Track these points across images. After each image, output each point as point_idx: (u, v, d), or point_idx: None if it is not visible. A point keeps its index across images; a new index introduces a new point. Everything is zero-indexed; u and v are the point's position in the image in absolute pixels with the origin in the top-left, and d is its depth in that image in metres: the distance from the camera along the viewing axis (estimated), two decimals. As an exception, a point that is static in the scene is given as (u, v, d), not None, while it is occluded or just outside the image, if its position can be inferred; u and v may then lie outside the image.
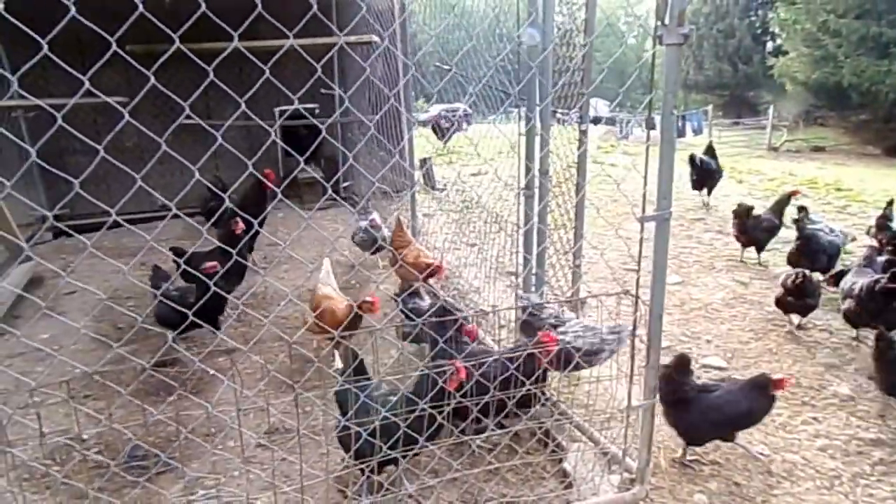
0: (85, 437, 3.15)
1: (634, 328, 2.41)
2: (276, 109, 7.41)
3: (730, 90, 35.17)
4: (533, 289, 3.54)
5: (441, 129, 14.44)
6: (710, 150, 8.37)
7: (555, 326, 3.12)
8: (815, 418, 3.45)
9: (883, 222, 5.62)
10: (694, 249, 6.06)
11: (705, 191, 7.96)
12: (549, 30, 3.02)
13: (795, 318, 4.46)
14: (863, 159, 21.48)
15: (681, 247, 6.12)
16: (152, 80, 1.57)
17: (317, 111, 7.87)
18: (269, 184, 4.94)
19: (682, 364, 3.05)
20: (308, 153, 3.03)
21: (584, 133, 3.71)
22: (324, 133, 2.34)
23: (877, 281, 4.00)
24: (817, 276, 4.72)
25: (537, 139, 3.25)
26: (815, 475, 3.02)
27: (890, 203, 5.84)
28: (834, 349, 4.19)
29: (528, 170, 3.34)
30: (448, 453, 2.92)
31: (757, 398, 2.98)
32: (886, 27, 20.23)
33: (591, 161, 11.76)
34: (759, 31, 33.32)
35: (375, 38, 5.61)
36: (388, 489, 2.53)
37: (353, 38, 5.36)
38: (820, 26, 21.98)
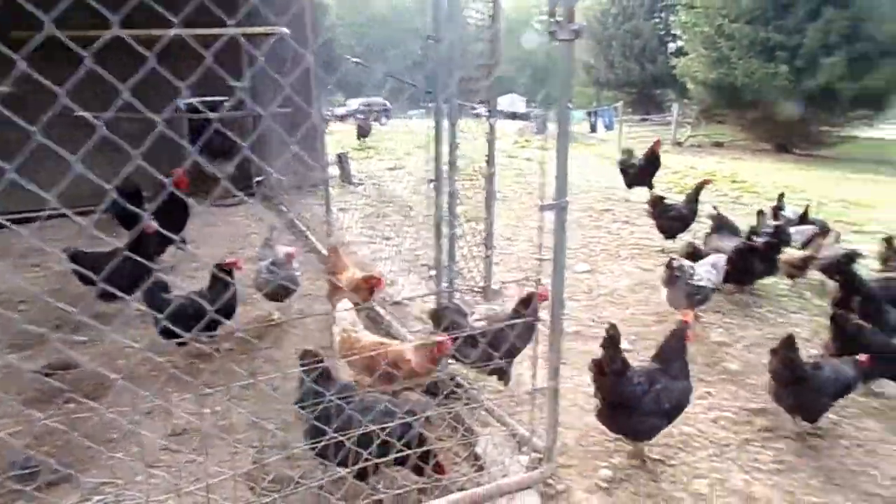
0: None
1: (537, 313, 2.49)
2: (181, 101, 7.08)
3: (637, 88, 36.95)
4: (445, 280, 3.59)
5: (364, 130, 14.27)
6: (629, 152, 8.71)
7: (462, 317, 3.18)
8: (708, 392, 3.71)
9: (776, 212, 6.12)
10: (602, 239, 6.34)
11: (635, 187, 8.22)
12: (455, 24, 3.06)
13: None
14: (756, 154, 23.20)
15: (590, 237, 6.39)
16: (23, 65, 1.46)
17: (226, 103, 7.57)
18: (180, 187, 4.63)
19: (791, 344, 3.26)
20: (198, 145, 2.90)
21: (493, 127, 3.80)
22: (216, 124, 2.25)
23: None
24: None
25: (445, 133, 3.29)
26: (708, 444, 3.25)
27: (781, 196, 6.40)
28: (727, 328, 4.52)
29: (440, 160, 3.38)
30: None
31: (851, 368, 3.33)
32: (773, 32, 21.87)
33: (507, 156, 12.08)
34: (662, 33, 35.13)
35: (283, 30, 5.46)
36: (298, 482, 2.50)
37: (259, 30, 5.20)
38: (716, 30, 23.46)
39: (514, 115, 34.25)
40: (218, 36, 1.86)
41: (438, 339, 2.86)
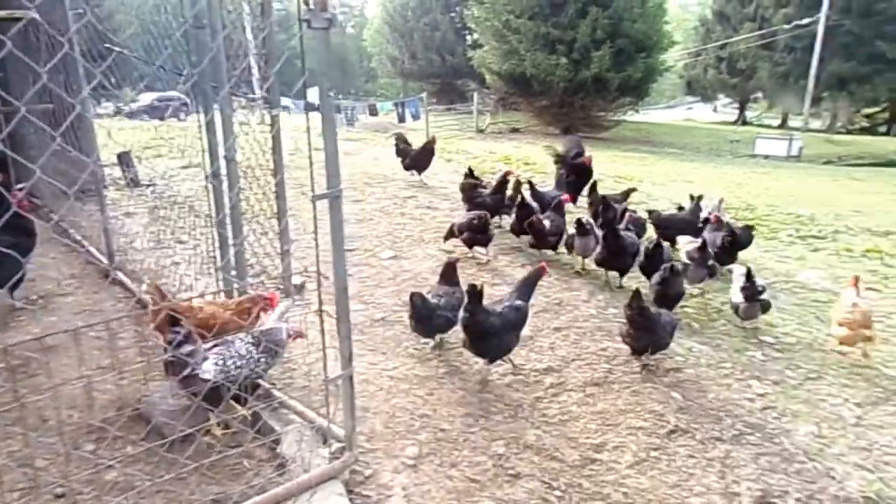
0: None
1: (321, 304, 2.47)
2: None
3: (441, 79, 38.44)
4: (235, 275, 3.41)
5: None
6: (403, 139, 9.04)
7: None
8: (504, 360, 4.00)
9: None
10: (407, 225, 6.50)
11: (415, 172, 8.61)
12: (214, 13, 2.87)
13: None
14: (547, 138, 25.43)
15: (395, 224, 6.52)
16: None
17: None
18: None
19: (639, 295, 3.91)
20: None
21: (275, 118, 3.67)
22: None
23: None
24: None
25: (219, 126, 3.11)
26: (504, 407, 3.52)
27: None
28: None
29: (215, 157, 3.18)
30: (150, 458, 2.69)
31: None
32: (552, 28, 24.12)
33: (314, 148, 11.81)
34: (459, 26, 36.89)
35: (33, 15, 4.72)
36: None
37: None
38: (504, 24, 25.23)
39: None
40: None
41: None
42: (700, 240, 5.51)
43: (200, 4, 2.81)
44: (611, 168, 14.90)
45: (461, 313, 3.68)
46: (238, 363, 2.77)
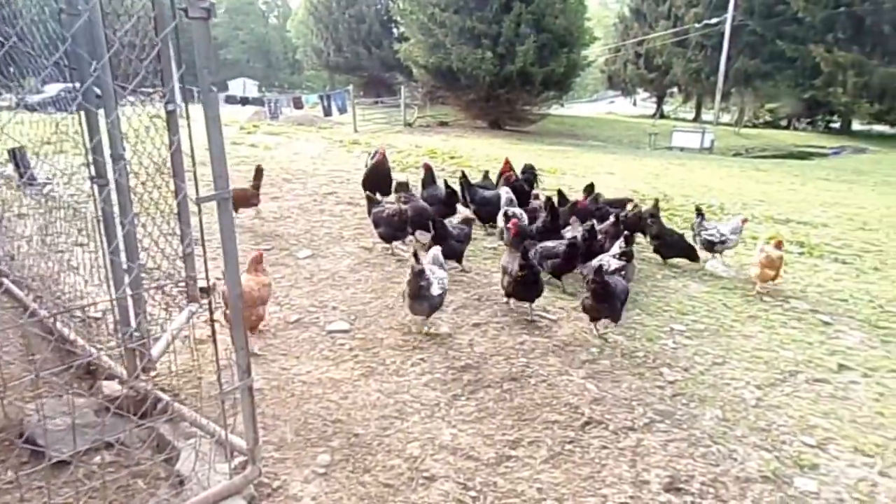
0: None
1: (211, 312, 2.32)
2: None
3: (368, 71, 37.95)
4: (127, 284, 3.17)
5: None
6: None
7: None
8: (421, 359, 3.95)
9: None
10: (326, 222, 6.34)
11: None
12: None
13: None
14: (475, 131, 25.72)
15: (313, 221, 6.35)
16: None
17: None
18: None
19: (602, 270, 4.35)
20: None
21: (171, 114, 3.43)
22: None
23: None
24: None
25: (102, 122, 2.86)
26: (421, 408, 3.46)
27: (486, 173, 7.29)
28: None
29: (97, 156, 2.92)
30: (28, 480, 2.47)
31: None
32: (477, 22, 24.27)
33: (231, 143, 11.36)
34: (385, 19, 36.51)
35: None
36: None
37: None
38: (430, 17, 25.16)
39: (245, 101, 32.60)
40: None
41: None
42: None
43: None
44: (536, 161, 15.16)
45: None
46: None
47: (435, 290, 4.14)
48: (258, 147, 11.11)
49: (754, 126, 41.92)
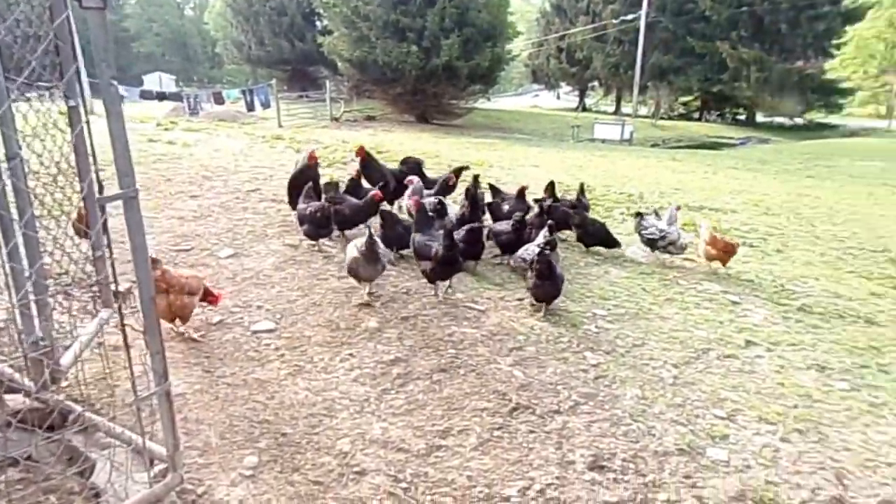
0: None
1: (122, 317, 2.23)
2: None
3: (291, 65, 37.00)
4: (28, 290, 2.97)
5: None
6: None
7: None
8: (350, 354, 3.93)
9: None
10: (249, 220, 6.17)
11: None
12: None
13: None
14: (402, 125, 25.64)
15: (236, 219, 6.16)
16: None
17: None
18: None
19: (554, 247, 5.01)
20: None
21: (73, 109, 3.23)
22: None
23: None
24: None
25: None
26: (350, 404, 3.44)
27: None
28: (368, 292, 4.85)
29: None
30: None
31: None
32: (401, 16, 24.16)
33: (148, 140, 10.84)
34: (307, 11, 35.68)
35: None
36: None
37: None
38: (353, 10, 24.82)
39: (162, 96, 30.98)
40: None
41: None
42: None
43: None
44: (463, 154, 15.31)
45: None
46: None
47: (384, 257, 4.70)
48: (176, 144, 10.63)
49: (670, 118, 44.00)
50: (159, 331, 2.21)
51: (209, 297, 4.02)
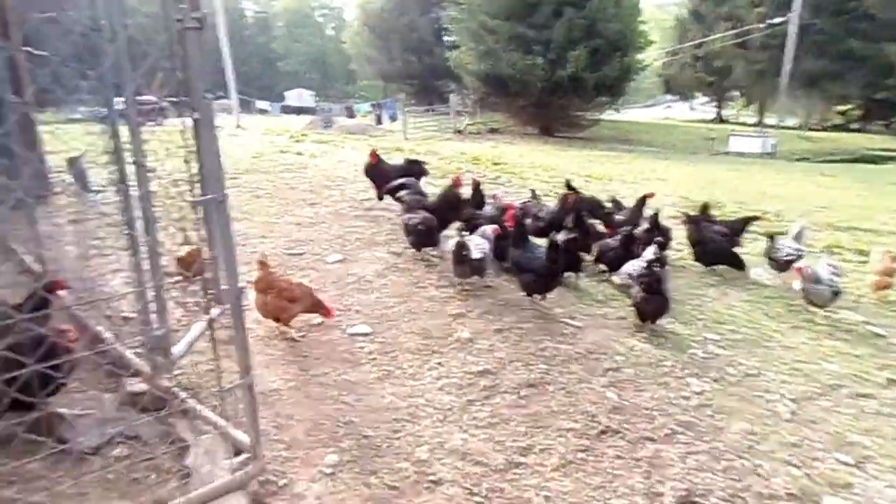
0: None
1: (210, 314, 2.40)
2: None
3: (419, 80, 38.38)
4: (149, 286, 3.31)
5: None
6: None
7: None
8: (439, 363, 3.95)
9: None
10: (360, 228, 6.45)
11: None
12: (113, 14, 2.77)
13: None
14: (525, 138, 25.60)
15: (347, 226, 6.47)
16: None
17: None
18: None
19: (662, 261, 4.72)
20: None
21: (197, 122, 3.57)
22: None
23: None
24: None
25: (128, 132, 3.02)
26: (434, 412, 3.46)
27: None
28: (464, 300, 4.87)
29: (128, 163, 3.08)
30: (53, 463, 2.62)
31: None
32: (528, 28, 24.20)
33: (279, 151, 11.73)
34: (436, 27, 36.88)
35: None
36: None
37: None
38: (480, 25, 25.29)
39: (300, 110, 33.55)
40: None
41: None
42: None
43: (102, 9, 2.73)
44: (584, 167, 14.96)
45: None
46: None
47: (475, 254, 4.74)
48: (304, 155, 11.41)
49: (823, 129, 39.94)
50: (244, 328, 2.37)
51: (323, 310, 4.18)
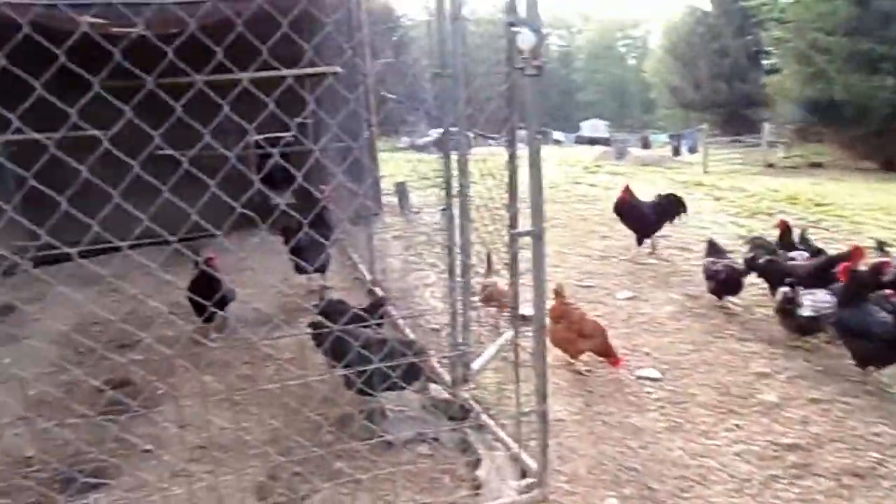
0: (30, 454, 3.31)
1: (516, 338, 2.56)
2: (255, 139, 7.63)
3: (726, 108, 35.39)
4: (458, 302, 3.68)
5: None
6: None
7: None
8: (737, 425, 3.55)
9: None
10: (652, 265, 6.20)
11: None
12: (457, 62, 3.20)
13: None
14: (860, 174, 21.55)
15: (640, 263, 6.27)
16: (129, 113, 1.85)
17: (291, 139, 8.09)
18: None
19: None
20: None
21: (513, 156, 3.89)
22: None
23: None
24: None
25: (454, 160, 3.44)
26: (728, 479, 3.12)
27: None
28: (771, 359, 4.30)
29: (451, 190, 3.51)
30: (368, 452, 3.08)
31: None
32: (875, 43, 20.45)
33: (573, 181, 12.02)
34: (753, 50, 33.64)
35: (337, 69, 5.86)
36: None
37: (311, 70, 5.58)
38: (810, 44, 22.28)
39: (594, 141, 33.89)
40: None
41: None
42: None
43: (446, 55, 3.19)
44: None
45: None
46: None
47: (805, 312, 4.29)
48: (597, 186, 11.48)
49: None
50: (544, 357, 2.47)
51: (612, 358, 4.07)
